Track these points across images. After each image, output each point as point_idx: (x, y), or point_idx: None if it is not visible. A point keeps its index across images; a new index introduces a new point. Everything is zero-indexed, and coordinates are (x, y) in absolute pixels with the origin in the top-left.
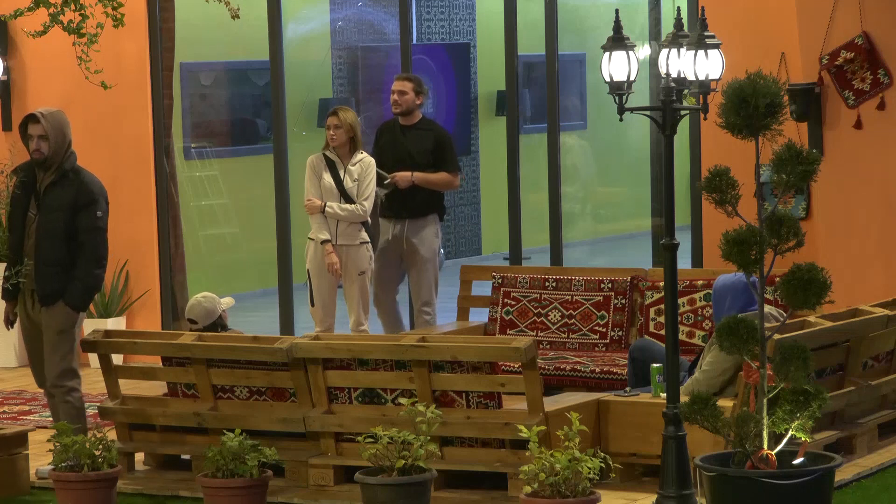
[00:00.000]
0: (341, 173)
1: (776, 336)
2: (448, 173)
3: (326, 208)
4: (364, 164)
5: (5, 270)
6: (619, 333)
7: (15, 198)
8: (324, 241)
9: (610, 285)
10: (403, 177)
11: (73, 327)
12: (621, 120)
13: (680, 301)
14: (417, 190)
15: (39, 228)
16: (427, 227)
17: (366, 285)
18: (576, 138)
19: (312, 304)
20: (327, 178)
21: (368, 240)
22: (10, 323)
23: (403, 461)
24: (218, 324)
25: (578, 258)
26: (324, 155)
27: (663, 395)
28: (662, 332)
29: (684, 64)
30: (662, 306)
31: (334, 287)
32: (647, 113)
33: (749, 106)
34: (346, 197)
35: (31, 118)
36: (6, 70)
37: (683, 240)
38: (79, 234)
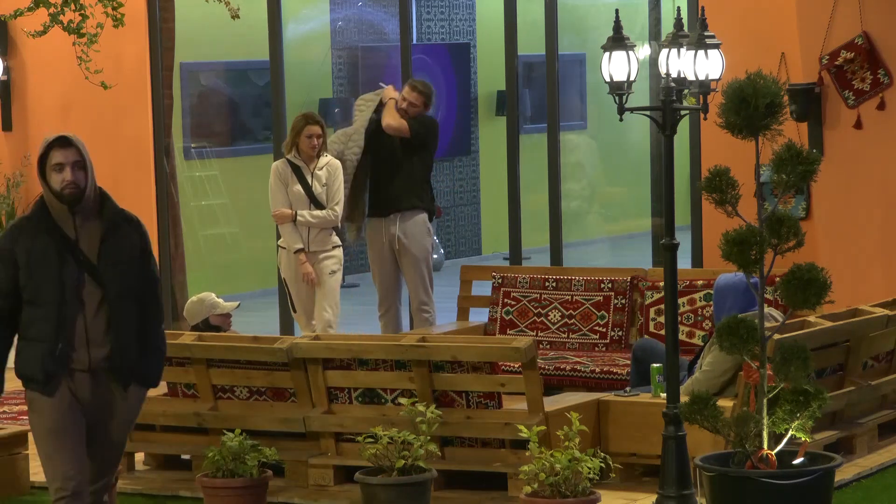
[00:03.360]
0: (309, 179)
1: (776, 336)
2: (406, 122)
3: (298, 217)
4: (331, 168)
5: (44, 357)
6: (620, 333)
7: (41, 258)
8: (297, 251)
9: (610, 285)
10: (389, 91)
11: None
12: (621, 120)
13: (680, 301)
14: (404, 186)
15: (111, 292)
16: (416, 225)
17: (336, 285)
18: (577, 137)
19: (294, 310)
20: (295, 185)
21: (340, 243)
22: None
23: (403, 461)
24: (212, 325)
25: (578, 258)
26: (288, 161)
27: (663, 395)
28: (662, 332)
29: (684, 64)
30: (662, 306)
31: (312, 291)
32: (647, 113)
33: (749, 106)
34: (315, 203)
35: (60, 142)
36: (6, 70)
37: (683, 240)
38: (147, 289)
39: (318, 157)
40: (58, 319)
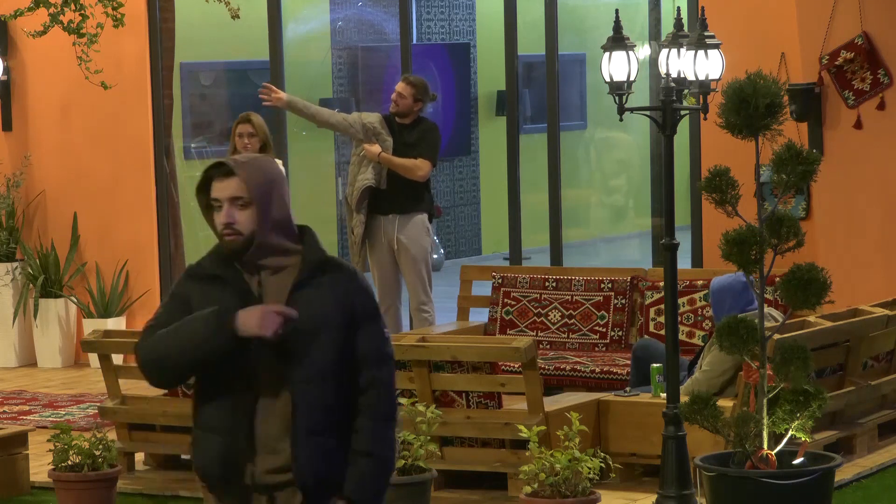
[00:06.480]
0: None
1: (776, 336)
2: (414, 159)
3: None
4: None
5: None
6: (619, 333)
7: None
8: None
9: (610, 285)
10: (371, 149)
11: None
12: (621, 120)
13: (680, 301)
14: (404, 187)
15: (297, 373)
16: (415, 225)
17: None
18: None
19: None
20: None
21: None
22: None
23: (403, 461)
24: None
25: (578, 258)
26: None
27: (663, 395)
28: (662, 332)
29: (684, 64)
30: (662, 306)
31: None
32: (647, 113)
33: (749, 106)
34: None
35: (217, 170)
36: (6, 70)
37: (683, 240)
38: (365, 370)
39: None
40: (233, 407)
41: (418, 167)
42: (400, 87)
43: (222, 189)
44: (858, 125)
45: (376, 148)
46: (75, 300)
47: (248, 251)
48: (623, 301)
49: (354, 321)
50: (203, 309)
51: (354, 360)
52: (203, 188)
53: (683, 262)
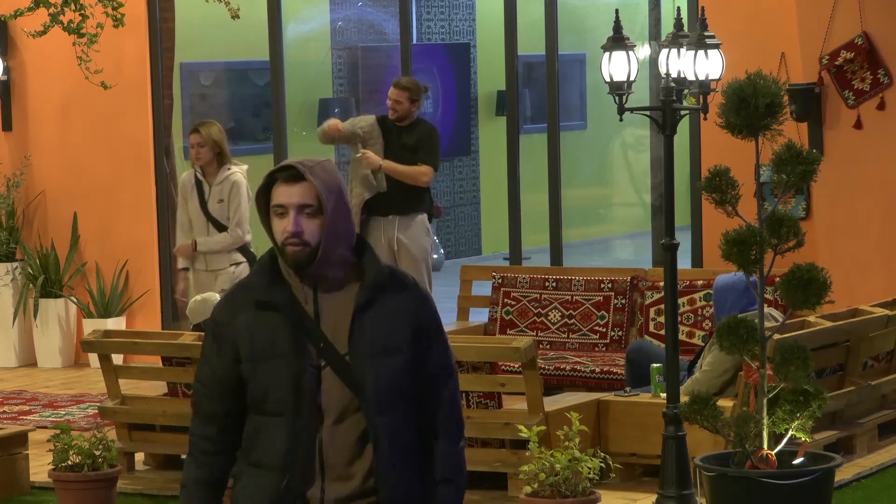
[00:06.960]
0: (206, 195)
1: (776, 336)
2: (417, 165)
3: (198, 246)
4: (229, 183)
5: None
6: (619, 333)
7: (268, 343)
8: (181, 269)
9: (610, 285)
10: (371, 157)
11: None
12: (621, 120)
13: (680, 301)
14: (404, 188)
15: (370, 398)
16: (416, 225)
17: None
18: (576, 137)
19: None
20: (193, 202)
21: (244, 260)
22: None
23: None
24: None
25: (578, 258)
26: (194, 174)
27: (663, 395)
28: (662, 332)
29: (684, 64)
30: (662, 306)
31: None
32: (647, 113)
33: (749, 106)
34: (213, 222)
35: (285, 173)
36: (6, 70)
37: (683, 240)
38: (432, 391)
39: (218, 170)
40: (290, 439)
41: (422, 173)
42: (393, 93)
43: (289, 195)
44: (858, 125)
45: (376, 158)
46: (75, 300)
47: (312, 263)
48: (623, 301)
49: (421, 337)
50: (254, 345)
51: (423, 376)
52: (263, 192)
53: (683, 262)
